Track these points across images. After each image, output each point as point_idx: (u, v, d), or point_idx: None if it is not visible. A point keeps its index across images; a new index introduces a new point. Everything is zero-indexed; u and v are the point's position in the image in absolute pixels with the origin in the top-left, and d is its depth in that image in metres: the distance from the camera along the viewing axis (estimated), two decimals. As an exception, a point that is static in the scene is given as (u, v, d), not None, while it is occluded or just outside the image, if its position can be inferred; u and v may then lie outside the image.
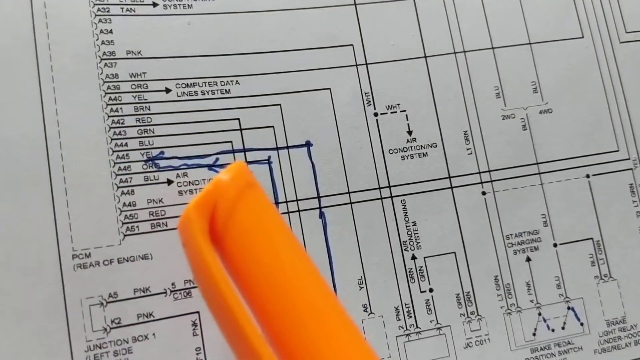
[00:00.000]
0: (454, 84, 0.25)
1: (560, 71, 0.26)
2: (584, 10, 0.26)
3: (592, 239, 0.25)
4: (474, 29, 0.25)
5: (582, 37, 0.26)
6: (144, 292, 0.21)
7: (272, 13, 0.24)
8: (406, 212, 0.24)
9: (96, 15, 0.22)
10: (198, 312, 0.21)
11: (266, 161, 0.23)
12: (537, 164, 0.25)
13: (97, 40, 0.22)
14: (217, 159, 0.22)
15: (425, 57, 0.25)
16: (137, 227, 0.21)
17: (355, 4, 0.25)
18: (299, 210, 0.23)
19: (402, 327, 0.23)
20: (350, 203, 0.23)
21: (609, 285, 0.25)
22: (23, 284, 0.20)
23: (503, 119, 0.25)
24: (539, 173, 0.25)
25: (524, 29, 0.26)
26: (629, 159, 0.26)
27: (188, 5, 0.23)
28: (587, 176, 0.25)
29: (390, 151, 0.24)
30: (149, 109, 0.22)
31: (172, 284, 0.21)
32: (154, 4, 0.22)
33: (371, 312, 0.23)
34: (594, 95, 0.26)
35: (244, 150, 0.23)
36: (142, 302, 0.21)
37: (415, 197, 0.24)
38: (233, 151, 0.23)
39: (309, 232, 0.23)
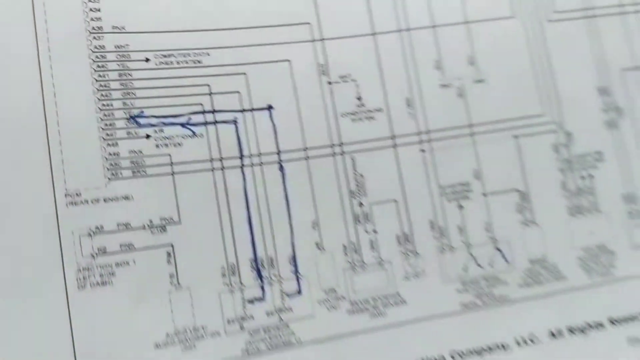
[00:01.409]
0: (398, 57, 0.29)
1: (493, 47, 0.30)
2: None
3: (517, 189, 0.29)
4: (417, 9, 0.30)
5: (513, 17, 0.30)
6: (125, 226, 0.25)
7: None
8: (355, 166, 0.28)
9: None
10: (172, 244, 0.26)
11: (233, 121, 0.27)
12: (470, 126, 0.29)
13: (87, 17, 0.26)
14: (189, 119, 0.27)
15: (374, 34, 0.29)
16: (120, 173, 0.26)
17: None
18: (261, 164, 0.27)
19: (350, 262, 0.27)
20: (307, 158, 0.28)
21: (532, 230, 0.29)
22: (22, 219, 0.24)
23: (441, 87, 0.29)
24: (472, 134, 0.29)
25: (462, 10, 0.30)
26: (552, 122, 0.30)
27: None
28: (515, 136, 0.29)
29: (342, 114, 0.28)
30: (131, 76, 0.27)
31: (150, 220, 0.26)
32: None
33: (323, 249, 0.27)
34: (523, 68, 0.30)
35: (213, 112, 0.27)
36: (124, 234, 0.25)
37: (363, 153, 0.28)
38: (204, 112, 0.27)
39: (270, 183, 0.27)
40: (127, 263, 0.26)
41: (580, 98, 0.30)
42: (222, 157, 0.27)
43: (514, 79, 0.30)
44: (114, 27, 0.27)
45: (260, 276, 0.26)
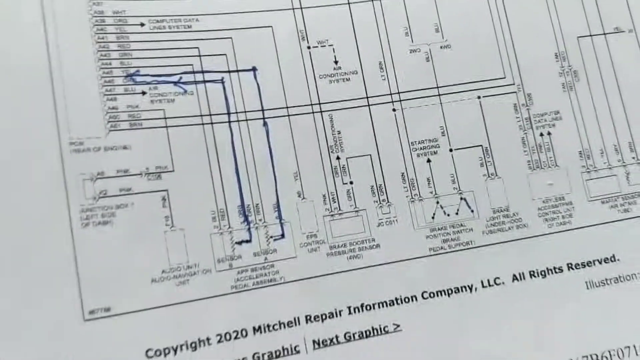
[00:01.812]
0: (371, 24, 0.32)
1: (458, 15, 0.33)
2: None
3: (481, 145, 0.32)
4: None
5: None
6: (124, 172, 0.28)
7: None
8: (332, 124, 0.31)
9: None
10: (167, 190, 0.29)
11: (220, 81, 0.30)
12: (437, 87, 0.32)
13: None
14: (181, 78, 0.30)
15: (349, 3, 0.32)
16: (119, 125, 0.29)
17: None
18: (246, 120, 0.30)
19: (328, 210, 0.30)
20: (288, 115, 0.31)
21: (495, 182, 0.32)
22: (31, 164, 0.27)
23: (410, 52, 0.32)
24: (439, 95, 0.32)
25: None
26: (513, 84, 0.33)
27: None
28: (479, 97, 0.32)
29: (320, 76, 0.31)
30: (128, 38, 0.29)
31: (146, 168, 0.29)
32: None
33: (304, 198, 0.30)
34: (486, 35, 0.33)
35: (202, 72, 0.30)
36: (123, 180, 0.28)
37: (340, 112, 0.31)
38: (194, 72, 0.30)
39: (255, 137, 0.30)
40: (126, 205, 0.28)
41: (539, 62, 0.33)
42: (211, 113, 0.29)
43: (478, 45, 0.33)
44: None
45: (247, 221, 0.29)
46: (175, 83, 0.29)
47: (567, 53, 0.34)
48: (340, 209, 0.30)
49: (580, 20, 0.34)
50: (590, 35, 0.34)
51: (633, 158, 0.32)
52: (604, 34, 0.34)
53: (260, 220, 0.29)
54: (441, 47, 0.32)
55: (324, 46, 0.31)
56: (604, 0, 0.34)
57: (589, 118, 0.33)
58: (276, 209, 0.29)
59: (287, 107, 0.30)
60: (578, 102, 0.33)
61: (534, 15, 0.34)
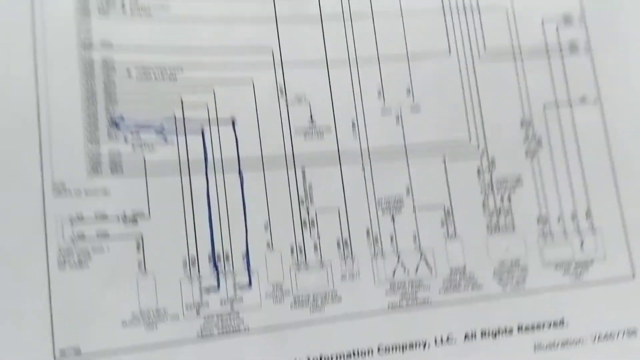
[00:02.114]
0: (346, 84, 0.34)
1: (429, 79, 0.34)
2: (453, 32, 0.35)
3: (444, 206, 0.34)
4: (365, 44, 0.34)
5: (450, 54, 0.35)
6: (102, 216, 0.30)
7: (215, 23, 0.33)
8: (305, 177, 0.33)
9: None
10: (141, 235, 0.30)
11: (200, 131, 0.32)
12: (405, 147, 0.34)
13: (79, 33, 0.31)
14: (163, 126, 0.31)
15: (327, 62, 0.34)
16: (101, 170, 0.30)
17: (276, 22, 0.34)
18: (223, 170, 0.32)
19: (295, 261, 0.32)
20: (263, 168, 0.32)
21: (454, 242, 0.33)
22: (13, 205, 0.28)
23: (382, 114, 0.34)
24: (406, 154, 0.34)
25: (404, 45, 0.35)
26: (478, 148, 0.35)
27: (148, 14, 0.32)
28: (444, 159, 0.34)
29: (296, 131, 0.33)
30: (114, 85, 0.31)
31: (124, 213, 0.30)
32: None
33: (272, 248, 0.32)
34: (455, 99, 0.34)
35: (184, 121, 0.32)
36: (101, 223, 0.29)
37: (312, 167, 0.33)
38: (175, 121, 0.31)
39: (229, 188, 0.31)
40: (102, 248, 0.29)
41: (505, 128, 0.35)
42: (189, 163, 0.31)
43: (446, 108, 0.34)
44: (102, 42, 0.31)
45: (216, 268, 0.30)
46: (157, 131, 0.30)
47: (533, 120, 0.35)
48: (306, 261, 0.31)
49: (547, 89, 0.36)
50: (556, 104, 0.35)
51: (588, 227, 0.34)
52: (570, 103, 0.35)
53: (229, 268, 0.30)
54: (411, 109, 0.34)
55: (301, 102, 0.33)
56: (572, 70, 0.36)
57: (549, 185, 0.34)
58: (245, 259, 0.30)
59: (263, 160, 0.32)
60: (540, 169, 0.35)
61: (502, 82, 0.35)
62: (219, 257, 0.31)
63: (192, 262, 0.30)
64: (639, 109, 0.36)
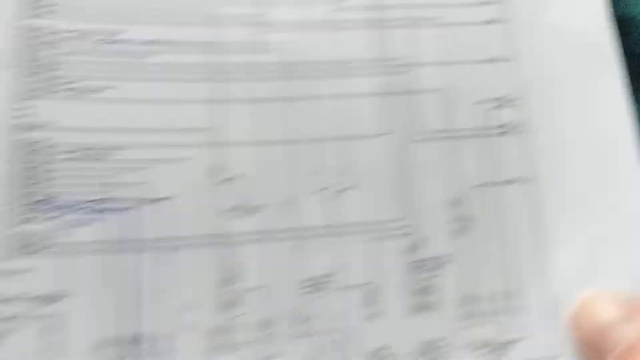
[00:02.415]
0: (283, 163, 0.35)
1: (365, 160, 0.36)
2: (390, 115, 0.37)
3: (372, 284, 0.35)
4: (304, 125, 0.36)
5: (386, 135, 0.37)
6: (19, 296, 0.31)
7: (155, 104, 0.34)
8: (236, 255, 0.34)
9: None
10: (62, 316, 0.31)
11: (134, 210, 0.33)
12: (338, 225, 0.35)
13: (12, 114, 0.32)
14: (91, 207, 0.33)
15: (264, 144, 0.36)
16: (22, 249, 0.31)
17: (214, 103, 0.35)
18: (157, 248, 0.33)
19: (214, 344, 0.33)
20: (196, 246, 0.33)
21: (377, 321, 0.35)
22: None
23: (318, 191, 0.35)
24: (339, 233, 0.35)
25: (342, 127, 0.36)
26: (409, 227, 0.36)
27: (84, 96, 0.34)
28: (375, 237, 0.35)
29: (231, 209, 0.34)
30: (41, 166, 0.32)
31: (44, 293, 0.31)
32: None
33: (196, 328, 0.33)
34: (388, 179, 0.36)
35: (115, 201, 0.33)
36: (16, 304, 0.31)
37: (244, 244, 0.34)
38: (108, 200, 0.33)
39: (162, 265, 0.33)
40: (14, 330, 0.30)
41: (434, 208, 0.36)
42: (121, 242, 0.32)
43: (378, 188, 0.35)
44: (36, 123, 0.32)
45: (140, 351, 0.31)
46: (88, 212, 0.31)
47: (462, 200, 0.36)
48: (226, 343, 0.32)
49: (479, 169, 0.37)
50: (487, 184, 0.36)
51: (514, 306, 0.35)
52: (501, 183, 0.36)
53: (153, 350, 0.31)
54: (346, 188, 0.35)
55: (237, 181, 0.35)
56: (507, 151, 0.37)
57: (475, 264, 0.35)
58: (170, 339, 0.32)
59: (196, 238, 0.34)
60: (467, 248, 0.36)
61: (434, 162, 0.36)
62: (142, 338, 0.31)
63: (115, 343, 0.30)
64: (570, 189, 0.36)
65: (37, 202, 0.32)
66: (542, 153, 0.37)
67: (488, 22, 0.39)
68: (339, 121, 0.36)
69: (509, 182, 0.36)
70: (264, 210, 0.34)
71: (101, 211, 0.32)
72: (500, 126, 0.37)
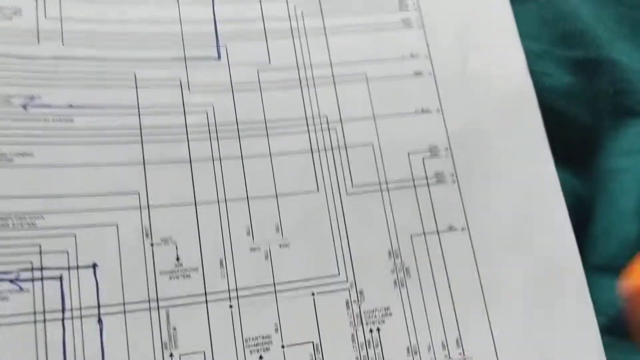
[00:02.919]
0: (215, 224, 0.35)
1: (298, 216, 0.36)
2: (321, 170, 0.37)
3: (312, 342, 0.34)
4: (234, 184, 0.35)
5: (318, 191, 0.37)
6: None
7: (80, 168, 0.34)
8: (169, 320, 0.33)
9: None
10: None
11: (58, 278, 0.32)
12: (274, 284, 0.34)
13: None
14: (18, 275, 0.31)
15: (195, 204, 0.35)
16: None
17: (144, 165, 0.35)
18: (81, 317, 0.32)
19: (156, 408, 0.31)
20: (124, 312, 0.32)
21: (323, 378, 0.33)
22: None
23: (251, 251, 0.35)
24: (275, 291, 0.34)
25: (273, 185, 0.36)
26: (346, 281, 0.35)
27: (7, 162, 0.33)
28: (313, 294, 0.35)
29: (161, 273, 0.33)
30: None
31: None
32: None
33: None
34: (323, 234, 0.36)
35: (41, 269, 0.32)
36: None
37: (177, 308, 0.33)
38: (32, 269, 0.32)
39: (88, 334, 0.31)
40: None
41: (372, 259, 0.36)
42: (44, 311, 0.30)
43: (315, 244, 0.35)
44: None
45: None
46: (11, 280, 0.30)
47: (400, 250, 0.36)
48: (169, 408, 0.30)
49: (414, 219, 0.37)
50: (424, 233, 0.36)
51: (460, 354, 0.34)
52: (437, 232, 0.36)
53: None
54: (280, 246, 0.34)
55: (167, 243, 0.33)
56: (439, 200, 0.37)
57: (418, 314, 0.35)
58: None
59: (124, 304, 0.31)
60: (409, 299, 0.36)
61: (370, 214, 0.36)
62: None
63: None
64: (504, 236, 0.36)
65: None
66: (475, 202, 0.36)
67: (413, 75, 0.39)
68: (267, 179, 0.36)
69: (445, 230, 0.36)
70: (197, 271, 0.32)
71: (25, 281, 0.30)
72: (434, 176, 0.36)
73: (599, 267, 0.38)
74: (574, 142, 0.41)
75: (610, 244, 0.38)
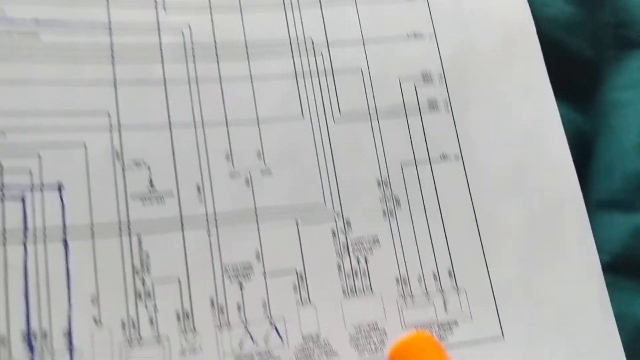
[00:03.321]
0: (191, 148, 0.32)
1: (281, 143, 0.33)
2: (306, 96, 0.34)
3: (296, 270, 0.31)
4: (213, 108, 0.33)
5: (303, 118, 0.34)
6: None
7: (46, 86, 0.31)
8: (141, 245, 0.30)
9: None
10: None
11: (21, 198, 0.29)
12: (256, 212, 0.32)
13: None
14: None
15: (170, 126, 0.32)
16: None
17: (115, 85, 0.32)
18: (45, 240, 0.29)
19: (127, 338, 0.29)
20: (92, 236, 0.30)
21: (307, 308, 0.31)
22: None
23: (230, 176, 0.32)
24: (257, 219, 0.32)
25: (254, 110, 0.33)
26: (333, 210, 0.33)
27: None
28: (297, 223, 0.32)
29: (133, 196, 0.31)
30: None
31: None
32: None
33: (101, 324, 0.29)
34: (309, 162, 0.33)
35: (2, 189, 0.29)
36: None
37: (151, 234, 0.30)
38: None
39: (52, 258, 0.29)
40: None
41: (361, 189, 0.33)
42: (5, 231, 0.28)
43: (300, 171, 0.33)
44: None
45: (31, 349, 0.27)
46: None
47: (390, 179, 0.34)
48: (140, 337, 0.29)
49: (405, 147, 0.35)
50: (415, 162, 0.34)
51: (452, 286, 0.32)
52: (430, 161, 0.34)
53: (46, 348, 0.27)
54: (262, 172, 0.32)
55: (140, 166, 0.31)
56: (432, 128, 0.35)
57: (408, 244, 0.33)
58: (67, 336, 0.27)
59: (93, 227, 0.29)
60: (398, 229, 0.33)
61: (358, 143, 0.34)
62: (35, 335, 0.27)
63: (1, 342, 0.26)
64: (499, 165, 0.34)
65: None
66: (469, 130, 0.34)
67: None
68: (248, 104, 0.34)
69: (437, 159, 0.34)
70: (172, 197, 0.30)
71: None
72: (427, 103, 0.34)
73: (601, 203, 0.36)
74: (575, 75, 0.39)
75: (613, 179, 0.35)
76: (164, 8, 0.34)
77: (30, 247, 0.28)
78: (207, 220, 0.31)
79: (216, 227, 0.31)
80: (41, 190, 0.29)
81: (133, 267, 0.29)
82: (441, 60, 0.37)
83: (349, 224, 0.33)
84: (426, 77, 0.36)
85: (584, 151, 0.36)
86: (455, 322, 0.32)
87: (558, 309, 0.33)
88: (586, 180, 0.37)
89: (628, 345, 0.32)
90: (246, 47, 0.35)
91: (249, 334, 0.30)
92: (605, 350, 0.32)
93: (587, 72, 0.39)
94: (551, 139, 0.37)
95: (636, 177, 0.35)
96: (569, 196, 0.35)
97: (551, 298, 0.33)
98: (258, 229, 0.32)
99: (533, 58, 0.38)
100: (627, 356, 0.32)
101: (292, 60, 0.35)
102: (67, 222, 0.29)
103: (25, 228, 0.28)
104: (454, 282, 0.33)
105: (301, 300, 0.31)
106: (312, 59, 0.35)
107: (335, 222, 0.33)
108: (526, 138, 0.36)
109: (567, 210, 0.35)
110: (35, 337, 0.27)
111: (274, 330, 0.30)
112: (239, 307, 0.30)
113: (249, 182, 0.32)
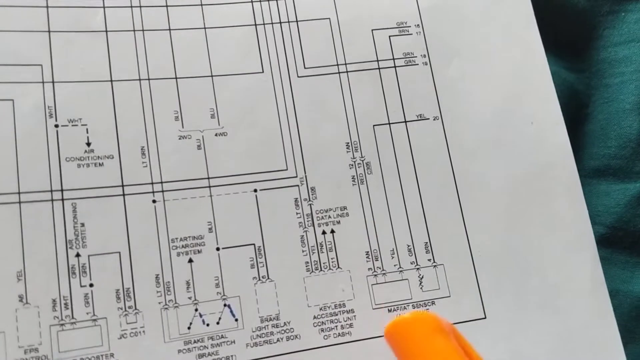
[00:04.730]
0: (135, 106, 0.28)
1: (238, 100, 0.29)
2: (267, 48, 0.30)
3: (253, 244, 0.27)
4: (159, 59, 0.28)
5: (262, 72, 0.30)
6: None
7: None
8: (75, 214, 0.26)
9: None
10: None
11: None
12: (209, 178, 0.28)
13: None
14: None
15: (111, 81, 0.28)
16: None
17: (49, 31, 0.28)
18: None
19: (58, 318, 0.25)
20: (19, 202, 0.25)
21: (265, 286, 0.27)
22: None
23: (180, 138, 0.28)
24: (209, 186, 0.28)
25: (207, 63, 0.29)
26: (296, 176, 0.29)
27: None
28: (255, 190, 0.28)
29: (67, 159, 0.26)
30: None
31: None
32: None
33: (27, 303, 0.25)
34: (269, 122, 0.29)
35: None
36: None
37: (87, 201, 0.26)
38: None
39: None
40: None
41: (327, 152, 0.30)
42: None
43: (259, 133, 0.29)
44: None
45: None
46: None
47: (360, 142, 0.30)
48: (73, 317, 0.26)
49: (378, 106, 0.31)
50: (389, 123, 0.31)
51: (429, 260, 0.29)
52: (405, 121, 0.31)
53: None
54: (216, 135, 0.29)
55: (76, 125, 0.28)
56: (408, 84, 0.32)
57: (380, 215, 0.30)
58: (-13, 317, 0.23)
59: (20, 193, 0.25)
60: (369, 197, 0.30)
61: (324, 101, 0.31)
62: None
63: None
64: (482, 124, 0.31)
65: None
66: (447, 87, 0.31)
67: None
68: (201, 56, 0.30)
69: (414, 119, 0.29)
70: (112, 160, 0.26)
71: None
72: (402, 57, 0.30)
73: (596, 170, 0.32)
74: (567, 30, 0.36)
75: (608, 143, 0.31)
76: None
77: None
78: (152, 187, 0.27)
79: (162, 195, 0.27)
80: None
81: (66, 239, 0.27)
82: (419, 8, 0.33)
83: (313, 191, 0.30)
84: (402, 28, 0.33)
85: (577, 114, 0.32)
86: (432, 302, 0.28)
87: (546, 283, 0.30)
88: (579, 146, 0.33)
89: (625, 326, 0.28)
90: (197, -7, 0.29)
91: (200, 314, 0.26)
92: (598, 329, 0.28)
93: (581, 26, 0.35)
94: (540, 96, 0.33)
95: (632, 141, 0.31)
96: (559, 159, 0.31)
97: (538, 272, 0.30)
98: (211, 198, 0.29)
99: (520, 7, 0.34)
100: (623, 337, 0.28)
101: (250, 6, 0.31)
102: (-5, 188, 0.24)
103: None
104: (431, 256, 0.30)
105: (259, 277, 0.28)
106: (273, 4, 0.32)
107: (299, 189, 0.30)
108: (512, 96, 0.33)
109: (557, 174, 0.31)
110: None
111: (228, 311, 0.28)
112: (188, 285, 0.27)
113: (200, 144, 0.29)
